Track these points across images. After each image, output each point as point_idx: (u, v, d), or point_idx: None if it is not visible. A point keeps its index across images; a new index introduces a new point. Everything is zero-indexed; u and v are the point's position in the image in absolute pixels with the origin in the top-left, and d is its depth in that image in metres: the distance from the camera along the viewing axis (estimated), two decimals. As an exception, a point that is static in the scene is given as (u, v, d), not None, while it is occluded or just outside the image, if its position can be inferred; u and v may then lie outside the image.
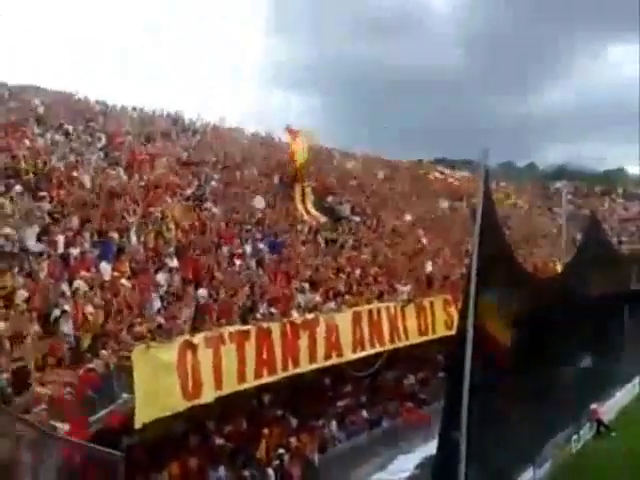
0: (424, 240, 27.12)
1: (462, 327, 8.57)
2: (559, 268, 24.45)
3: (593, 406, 21.30)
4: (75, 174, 16.33)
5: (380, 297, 19.79)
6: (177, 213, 17.87)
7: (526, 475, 17.06)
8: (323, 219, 23.10)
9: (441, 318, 21.02)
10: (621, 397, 25.47)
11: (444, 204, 33.72)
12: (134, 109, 25.17)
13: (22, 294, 11.58)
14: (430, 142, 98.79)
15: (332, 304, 17.97)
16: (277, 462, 14.54)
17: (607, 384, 20.80)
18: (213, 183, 21.47)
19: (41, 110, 19.61)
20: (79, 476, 9.76)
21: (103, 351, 11.39)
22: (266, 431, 15.10)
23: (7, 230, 12.96)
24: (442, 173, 42.54)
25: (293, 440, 15.54)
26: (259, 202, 21.80)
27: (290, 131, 25.61)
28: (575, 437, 21.46)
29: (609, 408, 23.87)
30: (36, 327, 11.08)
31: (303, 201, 23.89)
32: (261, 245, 19.35)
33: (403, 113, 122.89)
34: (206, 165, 22.72)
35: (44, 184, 15.34)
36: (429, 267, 23.87)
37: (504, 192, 41.99)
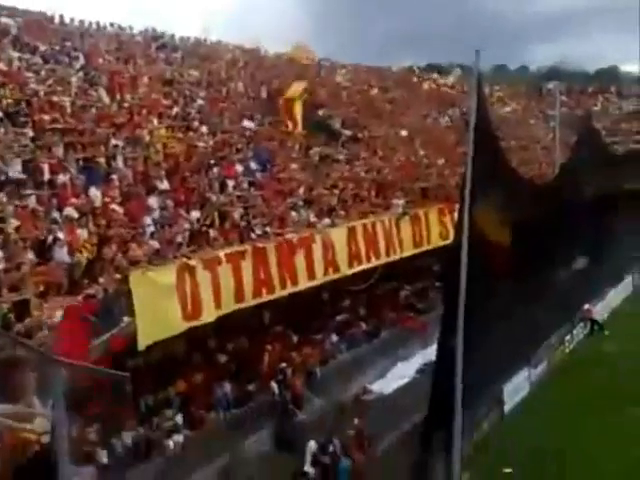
0: (419, 151, 26.83)
1: (458, 234, 8.58)
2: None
3: (586, 306, 21.84)
4: (55, 98, 15.84)
5: (374, 211, 19.76)
6: (164, 134, 17.50)
7: (521, 374, 17.76)
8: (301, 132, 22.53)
9: (436, 228, 21.07)
10: (614, 296, 26.11)
11: (437, 114, 33.13)
12: (111, 25, 24.13)
13: (13, 223, 11.50)
14: (419, 46, 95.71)
15: (327, 220, 17.95)
16: (280, 376, 14.97)
17: (601, 284, 21.20)
18: (199, 101, 20.92)
19: (15, 31, 18.78)
20: (86, 399, 10.07)
21: (100, 277, 11.43)
22: (268, 347, 15.47)
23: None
24: (434, 81, 41.58)
25: (295, 354, 15.96)
26: (248, 123, 21.32)
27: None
28: (569, 337, 22.18)
29: (602, 308, 24.54)
30: (31, 255, 11.07)
31: (291, 116, 23.37)
32: (252, 164, 19.10)
33: (387, 16, 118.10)
34: (190, 83, 22.05)
35: (24, 109, 14.89)
36: (423, 179, 23.77)
37: (498, 97, 41.30)
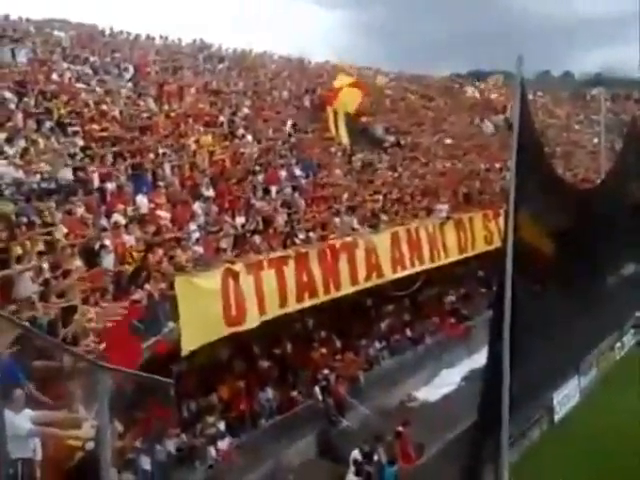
0: (462, 157, 26.11)
1: (504, 242, 8.22)
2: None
3: (638, 313, 20.80)
4: (105, 108, 15.81)
5: (418, 216, 19.22)
6: (210, 142, 17.31)
7: (572, 383, 17.00)
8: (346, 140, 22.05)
9: (481, 234, 20.56)
10: (666, 304, 24.82)
11: (481, 121, 32.26)
12: (160, 37, 24.22)
13: (61, 229, 11.36)
14: (461, 54, 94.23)
15: (370, 226, 17.51)
16: (324, 382, 14.52)
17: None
18: (244, 110, 20.73)
19: (66, 44, 18.91)
20: (131, 405, 9.81)
21: (146, 284, 11.19)
22: (312, 353, 15.04)
23: (42, 167, 12.65)
24: (477, 87, 40.64)
25: (338, 360, 15.50)
26: (290, 131, 21.01)
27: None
28: (619, 344, 21.16)
29: (654, 315, 23.37)
30: (78, 262, 10.89)
31: (336, 124, 22.97)
32: (296, 170, 18.77)
33: (427, 24, 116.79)
34: (236, 92, 21.90)
35: (75, 119, 14.87)
36: (467, 184, 23.07)
37: (542, 103, 40.14)
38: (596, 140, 34.31)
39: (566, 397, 16.88)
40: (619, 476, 12.72)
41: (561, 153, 31.49)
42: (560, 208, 9.67)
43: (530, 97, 32.99)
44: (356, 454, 12.97)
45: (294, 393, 14.19)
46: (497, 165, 25.56)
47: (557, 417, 16.34)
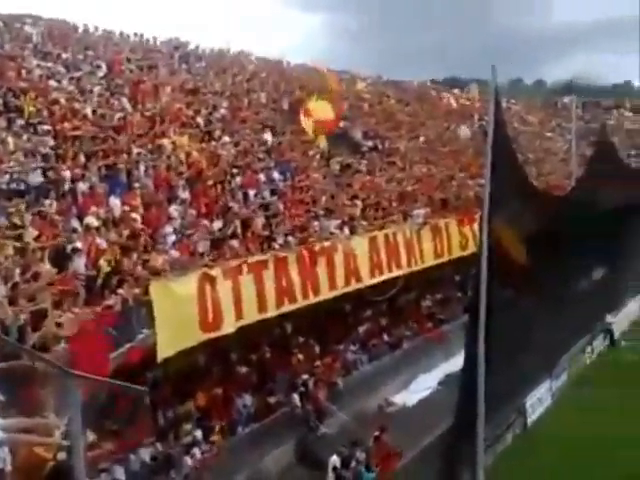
0: (439, 163, 26.08)
1: (479, 247, 8.26)
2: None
3: (608, 317, 20.98)
4: (77, 106, 15.28)
5: (395, 221, 19.07)
6: (186, 143, 16.87)
7: (543, 386, 17.04)
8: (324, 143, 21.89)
9: (456, 239, 20.55)
10: (634, 307, 25.12)
11: (457, 127, 32.33)
12: (135, 35, 23.61)
13: (31, 232, 10.89)
14: (437, 62, 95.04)
15: (348, 230, 17.30)
16: (302, 388, 14.22)
17: (620, 295, 20.52)
18: (222, 111, 20.32)
19: (37, 40, 18.30)
20: (103, 413, 9.39)
21: (120, 288, 10.77)
22: (290, 358, 14.74)
23: (12, 166, 12.14)
24: (453, 94, 40.80)
25: (317, 365, 15.24)
26: (268, 135, 20.68)
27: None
28: (589, 348, 21.33)
29: (622, 318, 23.60)
30: (48, 266, 10.43)
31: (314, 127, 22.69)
32: (274, 174, 18.44)
33: (405, 31, 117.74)
34: (213, 92, 21.47)
35: (46, 118, 14.34)
36: (443, 190, 23.03)
37: (514, 111, 40.48)
38: (567, 147, 34.79)
39: (538, 400, 16.96)
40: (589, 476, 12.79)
41: (533, 160, 31.75)
42: (532, 214, 9.69)
43: (504, 105, 33.30)
44: (334, 460, 12.72)
45: (272, 399, 13.84)
46: (472, 170, 25.57)
47: (530, 420, 16.38)
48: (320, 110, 20.84)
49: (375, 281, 16.90)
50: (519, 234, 9.12)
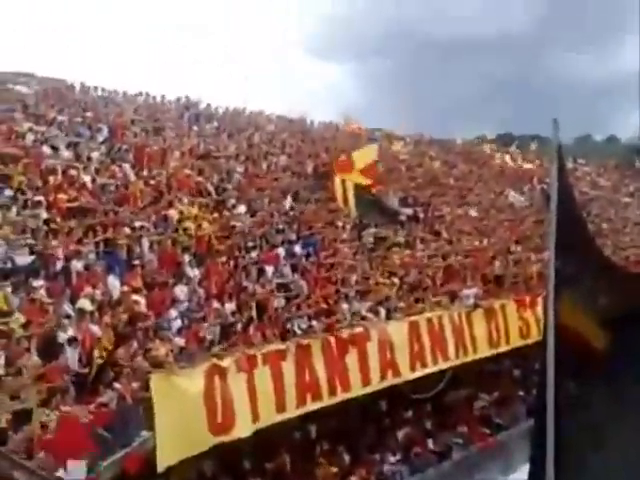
0: (492, 234, 26.44)
1: (543, 334, 8.26)
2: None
3: None
4: (74, 174, 16.22)
5: (440, 303, 19.28)
6: (196, 214, 17.64)
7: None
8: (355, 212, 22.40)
9: (515, 324, 20.45)
10: None
11: (513, 193, 32.87)
12: (140, 94, 25.03)
13: (18, 318, 11.43)
14: (489, 115, 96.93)
15: (384, 314, 17.56)
16: (329, 507, 14.19)
17: None
18: (236, 176, 21.22)
19: (30, 100, 19.56)
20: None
21: (116, 382, 11.16)
22: (314, 469, 14.77)
23: (-2, 243, 12.90)
24: (507, 152, 41.64)
25: (346, 479, 15.19)
26: (289, 202, 21.44)
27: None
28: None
29: None
30: (35, 357, 10.91)
31: (344, 194, 23.40)
32: (296, 248, 19.02)
33: (453, 83, 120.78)
34: (226, 156, 22.48)
35: (38, 187, 15.23)
36: (498, 266, 23.25)
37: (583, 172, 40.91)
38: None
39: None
40: None
41: (608, 230, 31.89)
42: (610, 294, 9.77)
43: (569, 165, 33.72)
44: None
45: (292, 520, 13.83)
46: (532, 243, 25.82)
47: None
48: (362, 160, 20.76)
49: (416, 375, 16.94)
50: (594, 316, 9.17)
